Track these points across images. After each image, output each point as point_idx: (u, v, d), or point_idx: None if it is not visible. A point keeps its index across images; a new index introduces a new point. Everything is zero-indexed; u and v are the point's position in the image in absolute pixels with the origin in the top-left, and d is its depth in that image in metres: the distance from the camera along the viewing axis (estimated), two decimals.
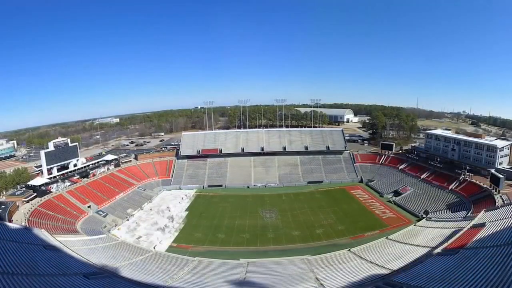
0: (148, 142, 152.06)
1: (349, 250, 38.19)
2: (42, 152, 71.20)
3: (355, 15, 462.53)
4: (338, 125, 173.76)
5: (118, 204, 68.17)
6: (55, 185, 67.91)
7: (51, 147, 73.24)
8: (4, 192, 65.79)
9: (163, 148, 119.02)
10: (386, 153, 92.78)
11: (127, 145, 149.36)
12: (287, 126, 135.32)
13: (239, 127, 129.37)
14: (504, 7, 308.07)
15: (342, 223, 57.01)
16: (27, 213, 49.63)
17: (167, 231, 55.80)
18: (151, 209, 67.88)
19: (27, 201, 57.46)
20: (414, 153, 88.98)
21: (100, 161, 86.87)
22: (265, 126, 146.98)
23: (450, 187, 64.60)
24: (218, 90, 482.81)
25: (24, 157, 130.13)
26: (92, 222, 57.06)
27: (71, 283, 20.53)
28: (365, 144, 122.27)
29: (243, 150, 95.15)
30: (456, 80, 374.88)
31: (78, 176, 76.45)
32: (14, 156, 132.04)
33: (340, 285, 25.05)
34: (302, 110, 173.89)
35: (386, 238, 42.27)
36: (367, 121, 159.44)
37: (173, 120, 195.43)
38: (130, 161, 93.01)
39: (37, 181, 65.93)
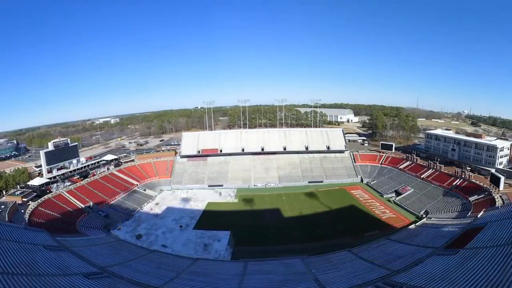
0: (148, 142, 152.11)
1: (349, 250, 38.11)
2: (42, 152, 71.25)
3: (355, 15, 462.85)
4: (338, 125, 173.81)
5: (118, 204, 68.15)
6: (55, 185, 67.97)
7: (51, 147, 73.26)
8: (4, 192, 65.84)
9: (163, 148, 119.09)
10: (386, 153, 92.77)
11: (127, 145, 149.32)
12: (287, 126, 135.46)
13: (239, 127, 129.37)
14: (503, 7, 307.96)
15: (342, 223, 56.99)
16: (27, 213, 49.59)
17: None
18: (151, 209, 67.93)
19: (27, 201, 57.51)
20: (414, 153, 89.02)
21: (100, 161, 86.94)
22: (265, 126, 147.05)
23: (450, 187, 64.57)
24: (218, 90, 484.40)
25: (27, 156, 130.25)
26: (92, 222, 57.05)
27: (71, 283, 20.52)
28: (365, 144, 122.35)
29: (243, 150, 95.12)
30: (456, 80, 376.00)
31: (78, 176, 76.48)
32: (15, 156, 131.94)
33: (340, 285, 25.01)
34: (302, 110, 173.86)
35: (386, 238, 42.24)
36: (367, 121, 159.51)
37: (173, 120, 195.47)
38: (132, 160, 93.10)
39: (37, 181, 65.98)
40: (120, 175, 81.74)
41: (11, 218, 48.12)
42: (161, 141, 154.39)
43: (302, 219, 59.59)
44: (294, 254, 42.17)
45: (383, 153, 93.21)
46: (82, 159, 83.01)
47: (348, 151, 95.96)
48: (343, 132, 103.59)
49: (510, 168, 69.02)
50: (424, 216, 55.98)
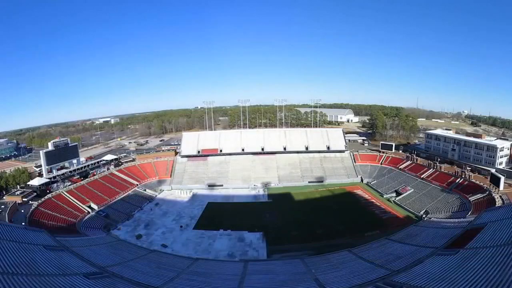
0: (148, 142, 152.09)
1: (349, 250, 38.09)
2: (42, 152, 71.26)
3: (355, 14, 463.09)
4: (338, 125, 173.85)
5: (118, 204, 68.15)
6: (55, 185, 68.01)
7: (51, 147, 73.28)
8: (4, 192, 65.87)
9: (163, 148, 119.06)
10: (386, 153, 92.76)
11: (127, 145, 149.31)
12: (287, 126, 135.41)
13: (239, 127, 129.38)
14: (504, 8, 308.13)
15: (342, 223, 56.99)
16: (27, 213, 49.61)
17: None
18: (151, 209, 67.92)
19: (27, 201, 57.56)
20: (414, 153, 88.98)
21: (100, 161, 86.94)
22: (265, 126, 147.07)
23: (450, 187, 64.57)
24: (218, 90, 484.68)
25: (27, 156, 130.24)
26: (92, 222, 57.08)
27: (71, 283, 20.52)
28: (365, 144, 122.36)
29: (243, 150, 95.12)
30: (456, 80, 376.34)
31: (78, 176, 76.49)
32: (15, 156, 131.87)
33: (340, 285, 25.01)
34: (302, 110, 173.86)
35: (386, 238, 42.20)
36: (367, 121, 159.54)
37: (173, 120, 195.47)
38: (131, 160, 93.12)
39: (37, 181, 66.01)
40: (120, 175, 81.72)
41: (11, 218, 48.16)
42: (161, 141, 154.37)
43: (302, 219, 59.58)
44: (294, 254, 42.16)
45: (383, 153, 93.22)
46: (82, 159, 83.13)
47: (348, 151, 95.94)
48: (343, 132, 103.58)
49: (510, 168, 69.02)
50: (424, 216, 56.00)
